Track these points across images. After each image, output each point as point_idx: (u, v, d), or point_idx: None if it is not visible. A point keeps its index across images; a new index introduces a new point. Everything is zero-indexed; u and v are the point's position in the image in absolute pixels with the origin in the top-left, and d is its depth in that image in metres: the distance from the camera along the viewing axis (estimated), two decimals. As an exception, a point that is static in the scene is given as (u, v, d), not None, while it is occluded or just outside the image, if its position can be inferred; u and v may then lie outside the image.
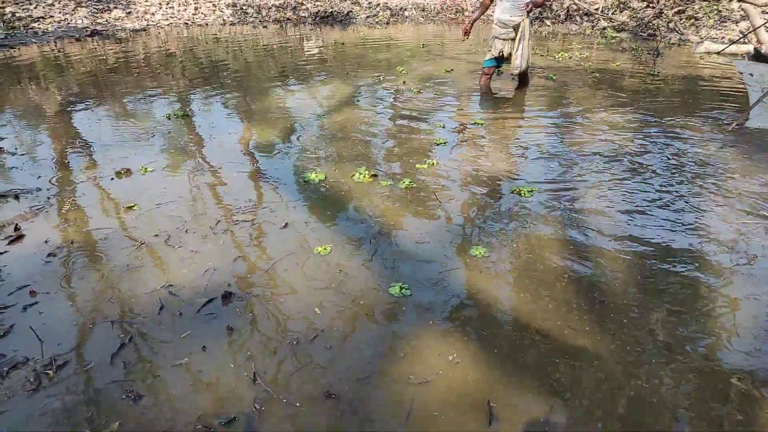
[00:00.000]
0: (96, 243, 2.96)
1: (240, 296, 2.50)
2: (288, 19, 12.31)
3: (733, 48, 8.08)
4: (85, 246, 2.93)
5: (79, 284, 2.61)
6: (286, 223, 3.16)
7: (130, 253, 2.87)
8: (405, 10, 13.24)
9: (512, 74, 5.73)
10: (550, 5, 11.59)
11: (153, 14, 11.69)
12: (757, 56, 7.04)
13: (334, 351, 2.17)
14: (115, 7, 11.53)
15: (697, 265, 2.73)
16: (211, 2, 12.63)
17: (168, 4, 12.21)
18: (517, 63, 5.46)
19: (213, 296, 2.49)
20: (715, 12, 9.67)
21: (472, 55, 8.27)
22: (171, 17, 11.71)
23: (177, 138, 4.67)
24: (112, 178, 3.79)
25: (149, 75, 7.13)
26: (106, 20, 11.06)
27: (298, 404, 1.92)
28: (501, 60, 5.64)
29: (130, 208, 3.34)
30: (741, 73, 4.93)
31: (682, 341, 2.22)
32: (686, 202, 3.38)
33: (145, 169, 3.91)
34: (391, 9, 13.15)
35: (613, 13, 10.81)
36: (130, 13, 11.54)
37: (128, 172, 3.89)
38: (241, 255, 2.84)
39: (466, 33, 5.65)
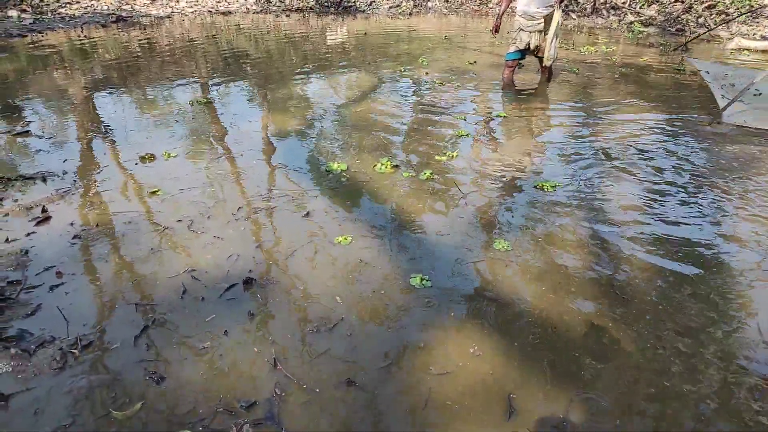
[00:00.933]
0: (120, 226, 3.00)
1: (261, 283, 2.51)
2: (311, 8, 12.30)
3: (765, 44, 7.88)
4: (109, 229, 2.97)
5: (104, 266, 2.64)
6: (308, 212, 3.16)
7: (154, 237, 2.90)
8: (428, 0, 13.14)
9: (545, 65, 5.65)
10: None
11: (177, 1, 11.76)
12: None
13: (354, 339, 2.17)
14: (140, -6, 11.62)
15: (719, 261, 2.67)
16: (234, -10, 12.66)
17: (192, -9, 12.27)
18: (550, 54, 5.40)
19: (235, 282, 2.51)
20: (747, 7, 9.42)
21: (495, 47, 8.18)
22: (195, 4, 11.77)
23: (200, 125, 4.71)
24: (136, 163, 3.83)
25: (173, 61, 7.18)
26: (132, 7, 11.16)
27: (317, 390, 1.93)
28: (525, 52, 5.57)
29: (153, 192, 3.38)
30: (699, 71, 4.87)
31: (704, 338, 2.18)
32: (711, 200, 3.31)
33: (168, 154, 3.95)
34: (414, 0, 13.06)
35: (641, 7, 10.60)
36: (154, 0, 11.62)
37: (152, 157, 3.92)
38: (262, 242, 2.86)
39: (497, 29, 5.58)
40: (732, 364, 2.07)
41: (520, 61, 5.86)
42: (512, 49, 5.56)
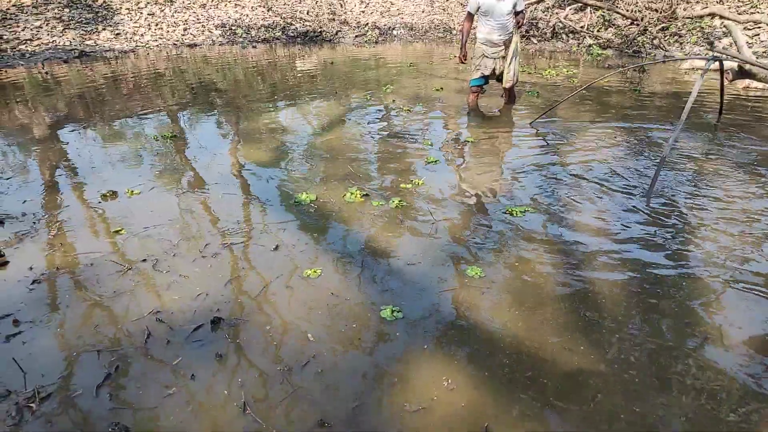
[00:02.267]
0: (82, 269, 2.91)
1: (229, 322, 2.45)
2: (277, 38, 12.37)
3: (717, 64, 8.19)
4: (70, 272, 2.88)
5: (64, 312, 2.55)
6: (277, 246, 3.12)
7: (117, 278, 2.81)
8: (393, 29, 13.36)
9: (504, 87, 5.79)
10: (536, 24, 11.74)
11: (142, 35, 11.70)
12: (741, 72, 7.13)
13: (325, 378, 2.12)
14: (104, 29, 11.53)
15: (687, 281, 2.72)
16: (200, 23, 12.67)
17: (157, 25, 12.24)
18: (510, 76, 5.55)
19: (202, 322, 2.44)
20: (698, 29, 9.83)
21: (460, 74, 8.33)
22: (160, 38, 11.73)
23: (165, 159, 4.64)
24: (99, 202, 3.74)
25: (138, 96, 7.11)
26: (95, 42, 11.05)
27: (289, 434, 1.87)
28: (489, 77, 5.69)
29: (117, 232, 3.29)
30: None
31: (674, 358, 2.19)
32: (677, 220, 3.38)
33: (131, 192, 3.86)
34: (379, 28, 13.26)
35: (598, 31, 10.96)
36: (118, 34, 11.54)
37: (114, 195, 3.84)
38: (230, 279, 2.80)
39: (464, 58, 5.65)
40: (702, 377, 2.08)
41: (483, 86, 5.97)
42: (476, 75, 5.67)
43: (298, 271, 2.85)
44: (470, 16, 5.49)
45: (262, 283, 2.76)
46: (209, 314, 2.49)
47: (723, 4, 10.30)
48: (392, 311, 2.49)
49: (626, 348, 2.26)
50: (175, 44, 11.58)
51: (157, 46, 11.39)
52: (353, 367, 2.18)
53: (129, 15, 12.31)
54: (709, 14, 9.82)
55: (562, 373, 2.13)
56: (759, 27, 9.17)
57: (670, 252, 3.00)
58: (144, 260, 2.98)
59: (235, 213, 3.56)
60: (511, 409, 1.96)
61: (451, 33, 12.90)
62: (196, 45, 11.63)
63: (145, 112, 6.28)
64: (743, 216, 3.38)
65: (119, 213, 3.56)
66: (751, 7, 9.89)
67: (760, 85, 6.97)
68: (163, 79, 8.19)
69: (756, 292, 2.62)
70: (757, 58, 7.76)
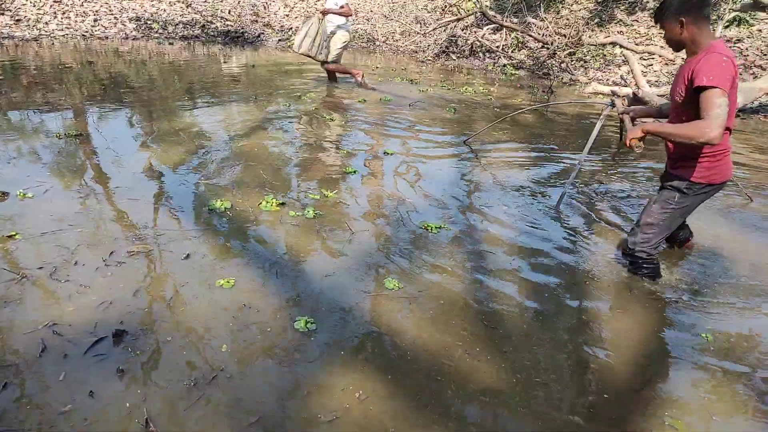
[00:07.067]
0: (-33, 277, 2.68)
1: (134, 334, 2.36)
2: (196, 37, 11.98)
3: (616, 89, 8.89)
4: (-47, 280, 2.64)
5: (-55, 324, 2.34)
6: (188, 254, 3.03)
7: (9, 287, 2.62)
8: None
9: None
10: (456, 41, 12.17)
11: (46, 24, 10.91)
12: (635, 99, 7.78)
13: (235, 391, 2.09)
14: (2, 14, 10.65)
15: (589, 291, 2.94)
16: (112, 14, 12.02)
17: (64, 13, 11.47)
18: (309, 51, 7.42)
19: (103, 335, 2.33)
20: (601, 56, 10.61)
21: (382, 85, 8.47)
22: (67, 28, 11.00)
23: (69, 159, 4.36)
24: (-9, 203, 3.46)
25: (40, 88, 6.62)
26: (-9, 26, 10.18)
27: (194, 450, 1.83)
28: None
29: (10, 236, 3.06)
30: None
31: (576, 369, 2.37)
32: (582, 231, 3.64)
33: (23, 194, 3.58)
34: (303, 34, 13.19)
35: (512, 51, 11.54)
36: (19, 20, 10.69)
37: (4, 196, 3.56)
38: (136, 289, 2.68)
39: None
40: (597, 385, 2.26)
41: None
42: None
43: (210, 281, 2.79)
44: None
45: (171, 293, 2.67)
46: (112, 326, 2.38)
47: (623, 34, 11.20)
48: (306, 322, 2.50)
49: (530, 359, 2.41)
50: (84, 35, 10.90)
51: (64, 36, 10.68)
52: (265, 379, 2.17)
53: (31, 0, 11.45)
54: (611, 43, 10.63)
55: (467, 382, 2.24)
56: (652, 57, 10.06)
57: (574, 263, 3.22)
58: (40, 268, 2.79)
59: (144, 219, 3.42)
60: (415, 417, 2.04)
61: (374, 43, 13.08)
62: (107, 38, 11.02)
63: (47, 106, 5.87)
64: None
65: (11, 216, 3.31)
66: (647, 39, 10.83)
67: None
68: (70, 72, 7.70)
69: (650, 298, 2.88)
70: (650, 86, 8.51)
